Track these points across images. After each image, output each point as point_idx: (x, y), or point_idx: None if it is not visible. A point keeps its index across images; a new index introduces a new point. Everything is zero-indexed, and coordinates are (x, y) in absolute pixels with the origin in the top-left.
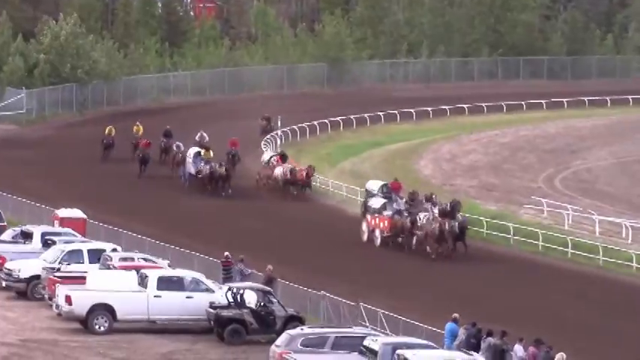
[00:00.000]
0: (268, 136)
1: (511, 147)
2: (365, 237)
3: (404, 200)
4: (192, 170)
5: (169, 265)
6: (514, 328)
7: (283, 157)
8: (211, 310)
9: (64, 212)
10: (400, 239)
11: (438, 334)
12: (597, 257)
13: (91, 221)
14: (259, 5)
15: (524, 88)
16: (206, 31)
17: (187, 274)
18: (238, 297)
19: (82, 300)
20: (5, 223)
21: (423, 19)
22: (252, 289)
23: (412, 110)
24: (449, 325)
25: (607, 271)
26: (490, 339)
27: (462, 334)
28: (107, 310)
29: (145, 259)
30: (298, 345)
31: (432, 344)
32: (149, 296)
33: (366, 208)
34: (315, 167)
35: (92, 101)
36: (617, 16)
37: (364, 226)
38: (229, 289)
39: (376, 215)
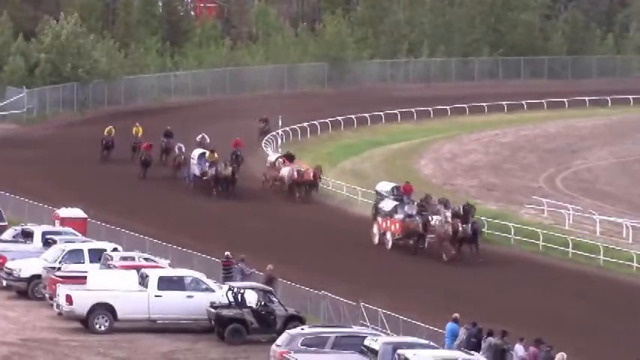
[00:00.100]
0: (269, 136)
1: (512, 147)
2: (376, 240)
3: (416, 203)
4: (197, 172)
5: (170, 265)
6: (514, 328)
7: (290, 158)
8: (212, 310)
9: (64, 212)
10: (411, 242)
11: (439, 333)
12: (598, 257)
13: (92, 221)
14: (260, 5)
15: (525, 88)
16: (207, 30)
17: (188, 274)
18: (239, 296)
19: (82, 299)
20: (6, 223)
21: (424, 18)
22: (252, 288)
23: (413, 110)
24: (449, 325)
25: (607, 271)
26: (491, 339)
27: (462, 333)
28: (108, 309)
29: (146, 259)
30: (299, 345)
31: (433, 344)
32: (150, 296)
33: (376, 211)
34: (322, 168)
35: (93, 101)
36: (618, 16)
37: (375, 229)
38: (230, 288)
39: (387, 218)
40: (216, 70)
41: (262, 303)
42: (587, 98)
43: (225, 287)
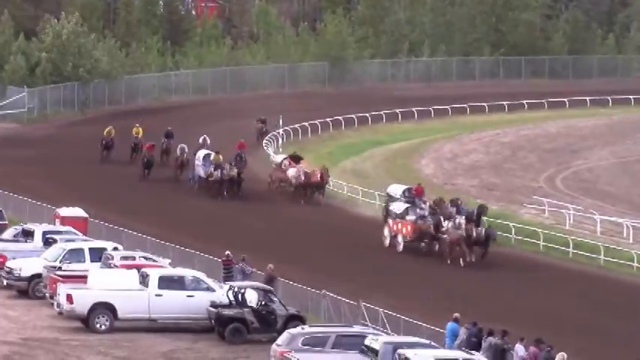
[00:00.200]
0: (270, 135)
1: (512, 146)
2: (387, 242)
3: (427, 205)
4: (202, 173)
5: (170, 265)
6: (515, 328)
7: (296, 159)
8: (212, 309)
9: (65, 211)
10: (422, 244)
11: (439, 333)
12: (598, 257)
13: (93, 220)
14: (261, 4)
15: (526, 88)
16: (208, 30)
17: (188, 273)
18: (239, 296)
19: (83, 299)
20: (6, 222)
21: (425, 18)
22: (253, 288)
23: (413, 109)
24: (450, 325)
25: (608, 271)
26: (491, 338)
27: (462, 333)
28: (108, 308)
29: (146, 258)
30: (299, 344)
31: (433, 344)
32: (150, 295)
33: (387, 213)
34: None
35: (94, 100)
36: (619, 16)
37: (386, 231)
38: (230, 288)
39: (398, 220)
40: (217, 70)
41: (263, 302)
42: (587, 98)
43: (226, 287)
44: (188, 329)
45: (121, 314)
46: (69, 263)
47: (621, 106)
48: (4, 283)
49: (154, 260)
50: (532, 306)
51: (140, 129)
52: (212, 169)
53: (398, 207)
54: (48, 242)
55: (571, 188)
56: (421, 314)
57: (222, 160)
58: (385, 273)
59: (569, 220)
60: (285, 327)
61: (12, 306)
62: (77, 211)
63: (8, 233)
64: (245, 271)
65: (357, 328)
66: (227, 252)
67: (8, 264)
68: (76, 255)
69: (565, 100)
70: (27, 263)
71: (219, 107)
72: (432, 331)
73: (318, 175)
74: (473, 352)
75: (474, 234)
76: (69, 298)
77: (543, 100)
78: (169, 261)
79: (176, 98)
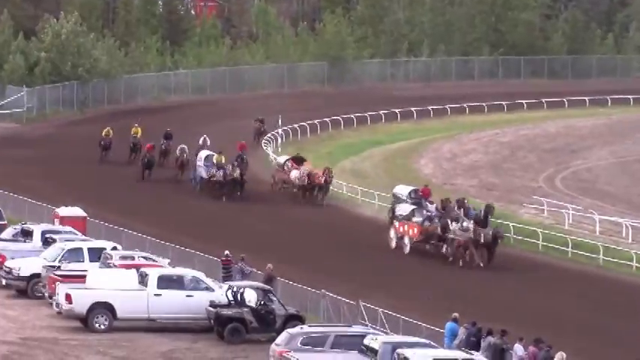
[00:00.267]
0: (269, 135)
1: (511, 146)
2: (393, 244)
3: (434, 206)
4: (204, 174)
5: (170, 264)
6: (514, 328)
7: (299, 161)
8: (211, 309)
9: (64, 211)
10: (428, 246)
11: (438, 333)
12: (598, 257)
13: (92, 220)
14: (260, 4)
15: (525, 88)
16: (207, 29)
17: (187, 273)
18: (238, 296)
19: (82, 298)
20: (5, 222)
21: (424, 18)
22: (252, 287)
23: (413, 109)
24: (449, 325)
25: (607, 271)
26: (490, 338)
27: (462, 333)
28: (107, 308)
29: (145, 258)
30: (298, 344)
31: (432, 343)
32: (149, 295)
33: (393, 214)
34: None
35: (93, 99)
36: (618, 16)
37: (392, 233)
38: (229, 287)
39: (405, 221)
40: (216, 70)
41: (262, 302)
42: (587, 98)
43: (225, 286)
44: (187, 329)
45: (120, 314)
46: (68, 263)
47: (620, 106)
48: (3, 283)
49: (153, 260)
50: (531, 306)
51: (139, 129)
52: (214, 170)
53: (404, 208)
54: (47, 242)
55: (570, 188)
56: (421, 314)
57: (225, 161)
58: (385, 273)
59: (569, 219)
60: (284, 327)
61: (11, 305)
62: (76, 211)
63: (7, 233)
64: (244, 270)
65: (356, 328)
66: (226, 252)
67: (7, 263)
68: (75, 255)
69: (564, 100)
70: (26, 263)
71: (218, 107)
72: (431, 331)
73: (322, 178)
74: (472, 351)
75: (482, 238)
76: (68, 297)
77: (542, 100)
78: (168, 261)
79: (175, 98)
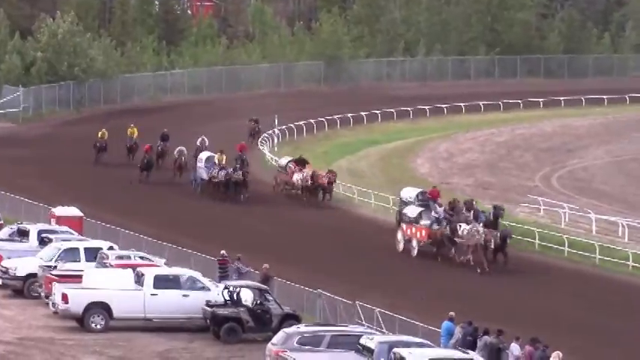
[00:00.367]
0: (265, 135)
1: (508, 145)
2: (400, 247)
3: (443, 208)
4: (205, 175)
5: (166, 264)
6: (510, 327)
7: (302, 163)
8: (208, 309)
9: (60, 210)
10: (435, 249)
11: (435, 332)
12: (593, 256)
13: (88, 219)
14: (256, 4)
15: (521, 87)
16: (203, 29)
17: (184, 273)
18: (235, 295)
19: (78, 298)
20: (2, 221)
21: (420, 17)
22: (248, 287)
23: (409, 109)
24: (445, 324)
25: (603, 270)
26: (486, 337)
27: (458, 332)
28: (103, 308)
29: (142, 258)
30: (294, 343)
31: (429, 343)
32: (145, 294)
33: (400, 217)
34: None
35: (89, 99)
36: (614, 15)
37: (399, 236)
38: (226, 287)
39: (412, 224)
40: (213, 69)
41: (258, 302)
42: (583, 97)
43: (221, 286)
44: (183, 329)
45: (116, 314)
46: (64, 263)
47: (617, 106)
48: (0, 283)
49: (150, 260)
50: (527, 305)
51: (135, 130)
52: (217, 171)
53: (411, 211)
54: (43, 242)
55: (566, 187)
56: (417, 313)
57: (226, 161)
58: (382, 273)
59: (565, 219)
60: (280, 326)
61: (7, 305)
62: (72, 211)
63: (4, 232)
64: (240, 270)
65: (352, 328)
66: (222, 251)
67: (3, 263)
68: (71, 254)
69: (560, 99)
70: (22, 263)
71: (214, 107)
72: (427, 330)
73: (325, 180)
74: (468, 351)
75: (492, 242)
76: (64, 297)
77: (539, 99)
78: (165, 260)
79: (171, 98)
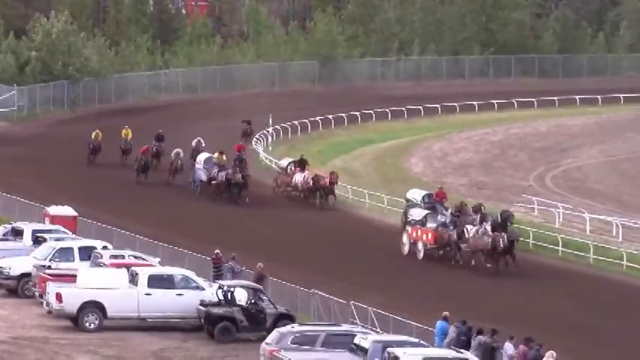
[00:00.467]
0: (259, 134)
1: (502, 145)
2: (406, 250)
3: (450, 211)
4: (204, 177)
5: (160, 263)
6: (504, 326)
7: (302, 163)
8: (202, 308)
9: (54, 210)
10: (440, 252)
11: (429, 332)
12: (588, 255)
13: (82, 219)
14: (251, 3)
15: (516, 87)
16: (198, 28)
17: (178, 272)
18: (229, 295)
19: (72, 297)
20: None
21: (414, 17)
22: (242, 286)
23: (403, 108)
24: (439, 324)
25: (597, 270)
26: (480, 337)
27: (452, 332)
28: (97, 307)
29: (136, 257)
30: (289, 343)
31: (423, 342)
32: (139, 294)
33: (406, 219)
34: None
35: (83, 99)
36: (609, 15)
37: (405, 238)
38: (220, 286)
39: (418, 227)
40: (207, 68)
41: (252, 301)
42: (577, 97)
43: (215, 285)
44: (177, 328)
45: (110, 313)
46: (58, 262)
47: (611, 105)
48: None
49: (144, 259)
50: (521, 304)
51: (129, 131)
52: (216, 171)
53: (417, 213)
54: (37, 241)
55: (560, 187)
56: (411, 313)
57: (226, 161)
58: (379, 273)
59: (559, 218)
60: (274, 326)
61: (1, 305)
62: (66, 210)
63: None
64: (235, 269)
65: (346, 327)
66: (216, 250)
67: None
68: (65, 254)
69: (555, 98)
70: (16, 262)
71: (209, 106)
72: (421, 330)
73: (327, 181)
74: (462, 350)
75: (501, 244)
76: (58, 296)
77: (533, 99)
78: (159, 260)
79: (166, 97)
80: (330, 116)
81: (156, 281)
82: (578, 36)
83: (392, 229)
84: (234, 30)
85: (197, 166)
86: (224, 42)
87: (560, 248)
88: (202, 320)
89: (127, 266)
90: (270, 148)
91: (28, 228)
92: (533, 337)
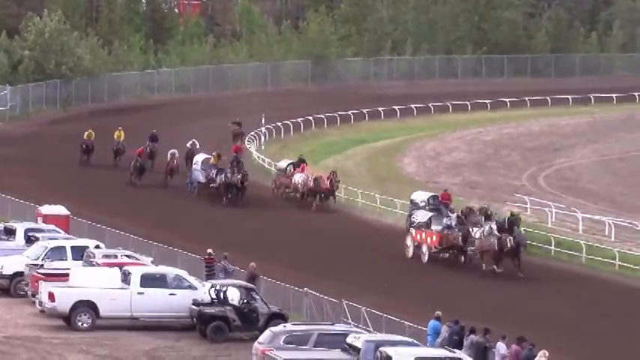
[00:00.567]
0: (252, 133)
1: (495, 145)
2: (410, 252)
3: (455, 214)
4: (201, 178)
5: (153, 263)
6: (497, 326)
7: (298, 163)
8: (194, 307)
9: (47, 209)
10: (446, 255)
11: (421, 331)
12: (580, 255)
13: (75, 218)
14: (244, 3)
15: (508, 86)
16: (190, 28)
17: (170, 271)
18: (221, 294)
19: (65, 297)
20: None
21: (407, 16)
22: (235, 286)
23: (396, 108)
24: (432, 323)
25: (590, 269)
26: (473, 336)
27: (444, 331)
28: (90, 306)
29: (128, 256)
30: (281, 342)
31: (415, 342)
32: (132, 293)
33: (410, 222)
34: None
35: (76, 98)
36: (601, 14)
37: (409, 241)
38: (212, 286)
39: (422, 229)
40: (200, 68)
41: (245, 300)
42: (570, 96)
43: (208, 285)
44: (170, 327)
45: (102, 312)
46: (51, 261)
47: (603, 105)
48: None
49: (136, 258)
50: (514, 304)
51: (122, 132)
52: (214, 173)
53: (422, 215)
54: (30, 240)
55: (553, 186)
56: (403, 312)
57: (223, 163)
58: (374, 273)
59: (552, 218)
60: (267, 325)
61: None
62: (59, 209)
63: None
64: (227, 269)
65: (339, 327)
66: (209, 250)
67: None
68: (57, 253)
69: (547, 98)
70: (9, 261)
71: (201, 105)
72: (414, 329)
73: (327, 182)
74: (455, 350)
75: (508, 244)
76: (51, 296)
77: (526, 99)
78: (151, 259)
79: (158, 96)
80: (323, 116)
81: (148, 281)
82: (571, 36)
83: (388, 229)
84: (227, 29)
85: (194, 167)
86: (217, 41)
87: (552, 248)
88: (195, 320)
89: (120, 265)
90: (262, 147)
91: (20, 227)
92: (525, 337)
